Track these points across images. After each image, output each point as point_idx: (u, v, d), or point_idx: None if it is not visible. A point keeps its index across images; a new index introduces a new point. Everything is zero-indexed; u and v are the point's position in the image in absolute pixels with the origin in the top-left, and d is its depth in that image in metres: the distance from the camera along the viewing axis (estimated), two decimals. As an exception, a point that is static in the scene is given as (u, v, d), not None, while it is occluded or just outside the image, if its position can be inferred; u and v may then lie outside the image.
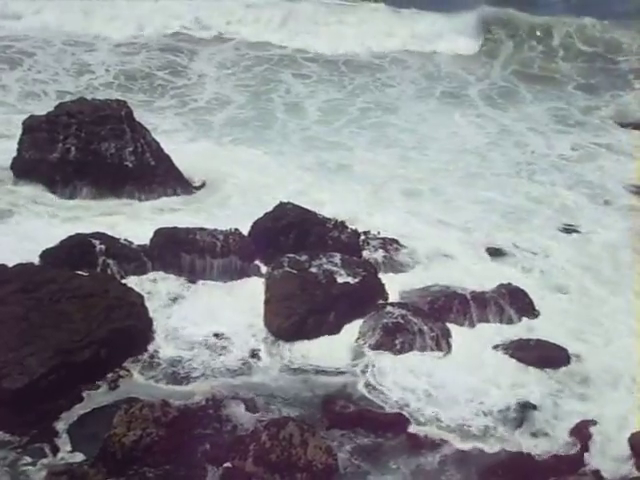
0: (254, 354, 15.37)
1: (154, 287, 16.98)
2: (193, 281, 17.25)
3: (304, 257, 17.17)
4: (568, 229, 21.16)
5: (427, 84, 33.54)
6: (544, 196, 23.24)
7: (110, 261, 16.97)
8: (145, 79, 31.63)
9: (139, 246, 17.56)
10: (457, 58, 36.75)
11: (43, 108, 22.66)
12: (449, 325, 16.17)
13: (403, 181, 23.48)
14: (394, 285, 17.36)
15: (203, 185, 21.96)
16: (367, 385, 14.66)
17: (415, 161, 25.21)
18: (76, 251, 16.92)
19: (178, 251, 17.41)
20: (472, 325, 16.43)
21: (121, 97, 24.69)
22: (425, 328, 15.77)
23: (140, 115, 22.55)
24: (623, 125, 29.66)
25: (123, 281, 16.55)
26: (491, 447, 13.42)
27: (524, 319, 16.73)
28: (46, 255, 16.87)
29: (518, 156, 26.26)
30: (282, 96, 30.75)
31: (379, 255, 18.35)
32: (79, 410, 13.66)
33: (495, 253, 19.48)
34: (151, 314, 15.81)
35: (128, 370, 14.71)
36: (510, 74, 35.45)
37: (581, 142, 27.71)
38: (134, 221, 19.42)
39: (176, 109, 28.69)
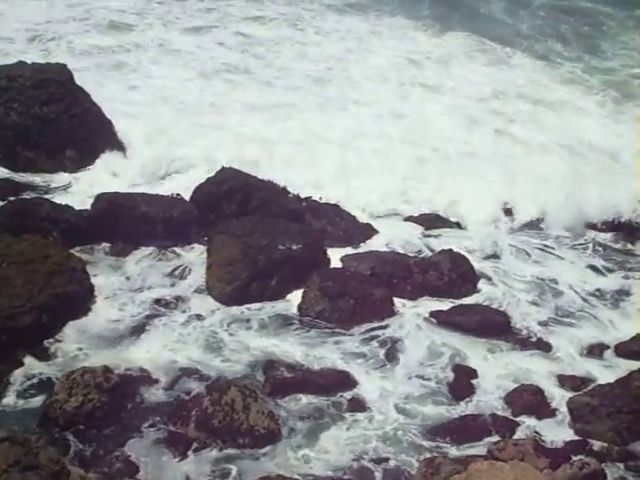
0: (196, 319, 15.33)
1: (95, 252, 16.93)
2: (135, 247, 17.18)
3: (247, 222, 17.16)
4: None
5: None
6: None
7: (51, 227, 16.82)
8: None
9: (80, 211, 17.41)
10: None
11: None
12: (390, 290, 16.28)
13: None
14: (336, 251, 17.44)
15: (144, 149, 21.62)
16: (308, 350, 14.72)
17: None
18: (16, 217, 16.75)
19: (120, 217, 17.29)
20: (413, 290, 16.55)
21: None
22: (366, 294, 15.89)
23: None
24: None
25: (64, 247, 16.39)
26: (430, 411, 13.57)
27: (465, 284, 16.88)
28: (-15, 221, 16.65)
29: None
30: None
31: (321, 221, 18.39)
32: (20, 376, 13.56)
33: (436, 219, 19.57)
34: (92, 280, 15.74)
35: (69, 336, 14.63)
36: None
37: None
38: (75, 186, 19.28)
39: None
